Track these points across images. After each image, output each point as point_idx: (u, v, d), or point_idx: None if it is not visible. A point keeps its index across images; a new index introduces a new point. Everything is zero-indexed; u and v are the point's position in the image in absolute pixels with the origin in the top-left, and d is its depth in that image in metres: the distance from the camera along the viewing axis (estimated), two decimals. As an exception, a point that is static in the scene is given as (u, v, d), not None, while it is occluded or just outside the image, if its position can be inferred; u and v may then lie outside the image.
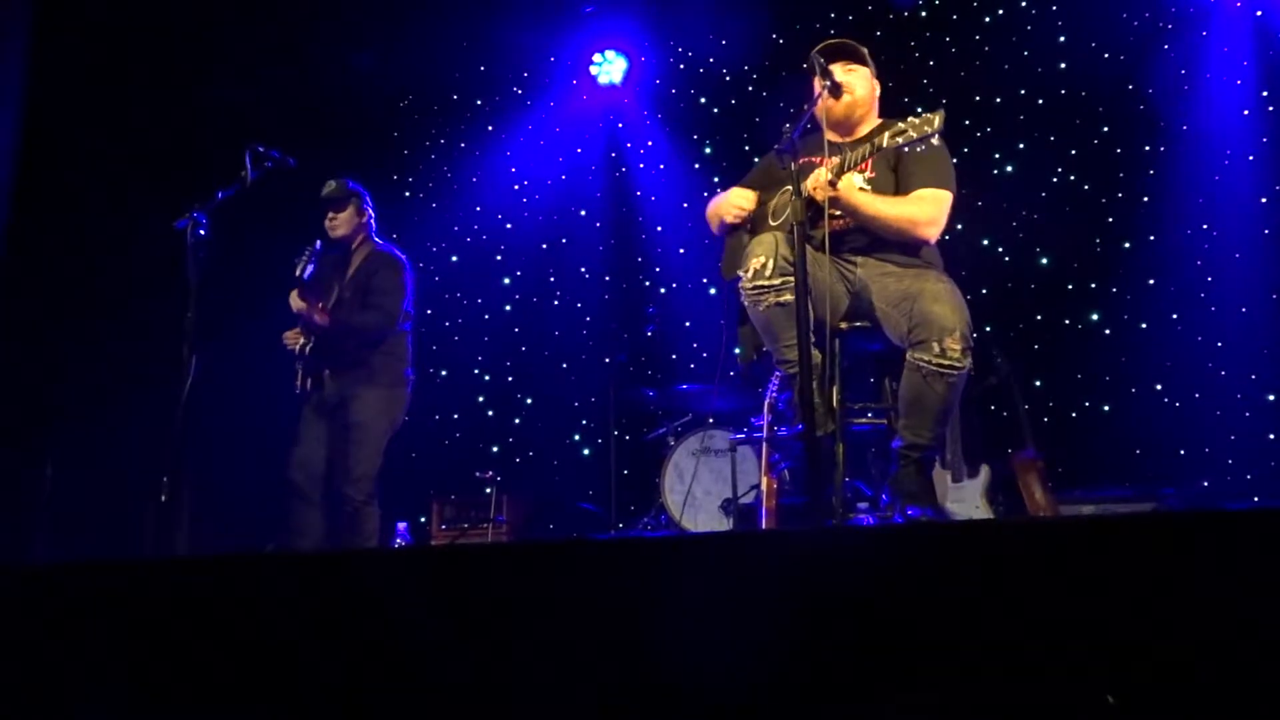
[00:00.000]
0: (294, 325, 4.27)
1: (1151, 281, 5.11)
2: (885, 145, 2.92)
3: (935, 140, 2.97)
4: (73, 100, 4.98)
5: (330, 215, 4.34)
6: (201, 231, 3.95)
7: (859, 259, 3.16)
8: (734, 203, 3.35)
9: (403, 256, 4.41)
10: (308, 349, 4.20)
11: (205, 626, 1.85)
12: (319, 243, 4.22)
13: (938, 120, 2.85)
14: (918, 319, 2.94)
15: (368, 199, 4.42)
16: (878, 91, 3.38)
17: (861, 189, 3.07)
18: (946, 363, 2.89)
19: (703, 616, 1.64)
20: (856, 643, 1.56)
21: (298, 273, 4.17)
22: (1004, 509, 4.24)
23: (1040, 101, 5.38)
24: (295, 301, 4.19)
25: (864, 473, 4.01)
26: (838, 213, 3.06)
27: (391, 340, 4.30)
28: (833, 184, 2.97)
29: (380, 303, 4.24)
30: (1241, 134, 5.09)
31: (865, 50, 3.36)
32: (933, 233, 3.13)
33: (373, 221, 4.42)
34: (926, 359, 2.90)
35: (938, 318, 2.91)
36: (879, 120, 3.34)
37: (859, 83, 3.28)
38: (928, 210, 3.10)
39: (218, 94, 5.32)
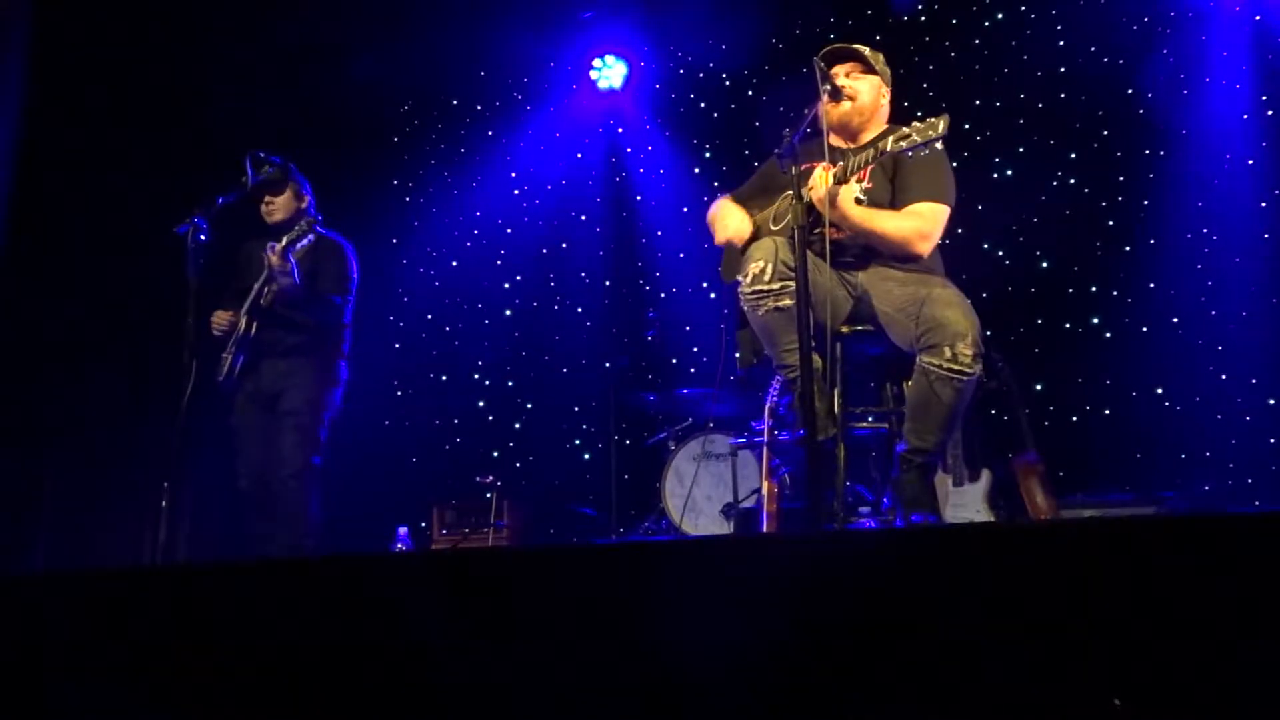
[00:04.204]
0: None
1: (1152, 285, 5.11)
2: (889, 149, 2.91)
3: (938, 146, 2.95)
4: (73, 104, 4.98)
5: (267, 200, 4.23)
6: (202, 236, 3.94)
7: (860, 265, 3.16)
8: (730, 229, 3.32)
9: (348, 243, 4.34)
10: (252, 331, 4.11)
11: (206, 632, 1.85)
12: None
13: (942, 125, 2.83)
14: (928, 323, 2.93)
15: (306, 183, 4.34)
16: (885, 99, 3.36)
17: (858, 199, 3.06)
18: (957, 368, 2.87)
19: (703, 621, 1.63)
20: (858, 647, 1.55)
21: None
22: (1005, 513, 4.24)
23: (1040, 105, 5.38)
24: (275, 258, 3.96)
25: (865, 477, 4.01)
26: (836, 224, 3.06)
27: (332, 332, 4.25)
28: (833, 195, 2.97)
29: (329, 297, 4.18)
30: (1241, 138, 5.09)
31: (880, 57, 3.35)
32: (925, 248, 3.11)
33: (312, 207, 4.33)
34: (937, 363, 2.89)
35: (950, 322, 2.90)
36: (885, 125, 3.32)
37: (864, 89, 3.27)
38: (922, 226, 3.09)
39: (218, 99, 5.32)
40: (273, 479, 4.09)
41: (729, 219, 3.35)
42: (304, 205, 4.31)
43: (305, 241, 4.04)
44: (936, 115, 2.87)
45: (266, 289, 4.12)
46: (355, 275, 4.33)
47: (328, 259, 4.24)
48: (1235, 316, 4.93)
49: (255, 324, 4.14)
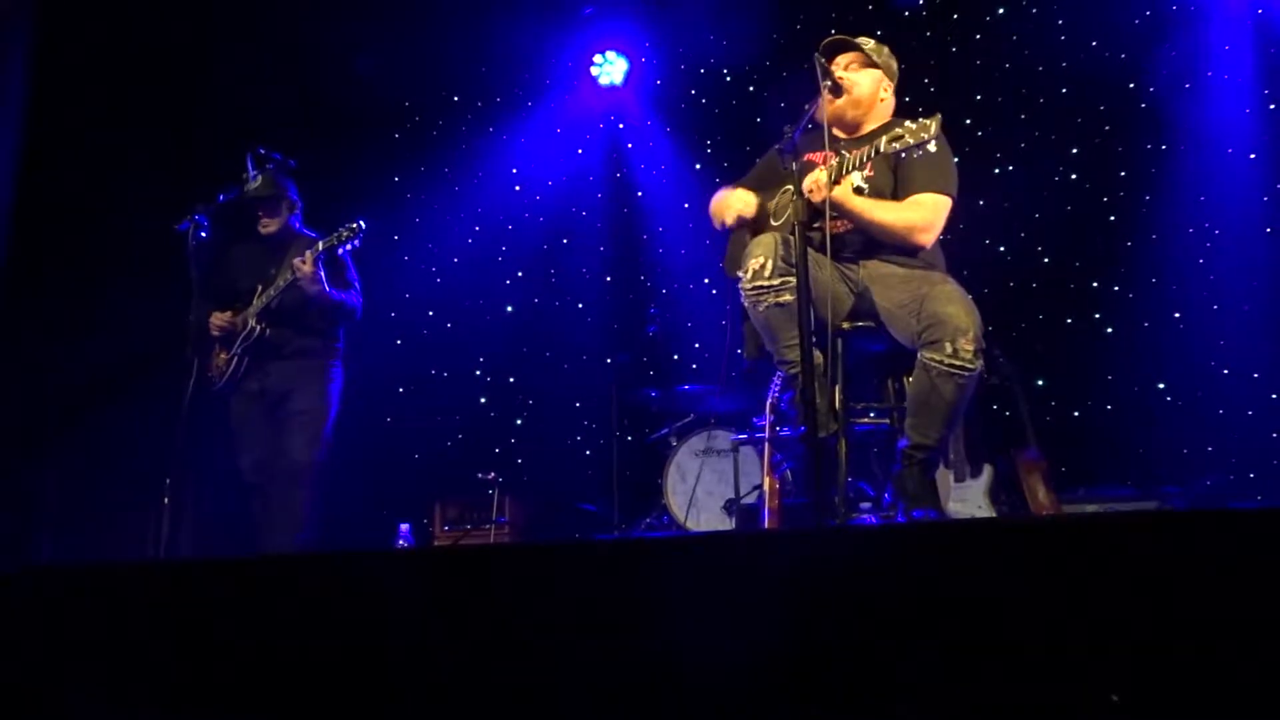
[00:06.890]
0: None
1: (1153, 280, 5.10)
2: (883, 150, 2.91)
3: (933, 144, 2.95)
4: (75, 102, 4.98)
5: (263, 219, 4.25)
6: (203, 233, 3.95)
7: (861, 260, 3.16)
8: (735, 207, 3.32)
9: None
10: (266, 334, 4.14)
11: (208, 627, 1.85)
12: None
13: (934, 126, 2.84)
14: (930, 319, 2.93)
15: (294, 188, 4.34)
16: (888, 93, 3.34)
17: (859, 189, 3.05)
18: (958, 363, 2.88)
19: (705, 616, 1.64)
20: (859, 643, 1.55)
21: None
22: (1007, 509, 4.24)
23: (1041, 100, 5.37)
24: (308, 266, 4.01)
25: (867, 473, 4.00)
26: (837, 213, 3.06)
27: (334, 333, 4.28)
28: (832, 184, 2.97)
29: (349, 302, 4.22)
30: (1243, 132, 5.08)
31: (885, 50, 3.33)
32: (928, 239, 3.11)
33: (300, 212, 4.35)
34: (938, 359, 2.89)
35: (951, 318, 2.90)
36: (888, 118, 3.31)
37: (864, 82, 3.27)
38: (924, 216, 3.09)
39: (220, 96, 5.32)
40: (280, 476, 4.10)
41: (732, 199, 3.35)
42: (296, 210, 4.34)
43: (350, 246, 4.05)
44: (929, 116, 2.87)
45: (283, 292, 4.12)
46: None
47: (337, 262, 4.24)
48: (1237, 311, 4.93)
49: (266, 327, 4.16)
